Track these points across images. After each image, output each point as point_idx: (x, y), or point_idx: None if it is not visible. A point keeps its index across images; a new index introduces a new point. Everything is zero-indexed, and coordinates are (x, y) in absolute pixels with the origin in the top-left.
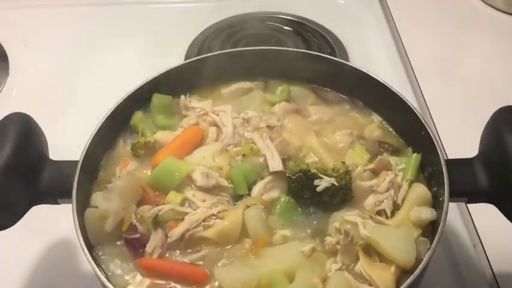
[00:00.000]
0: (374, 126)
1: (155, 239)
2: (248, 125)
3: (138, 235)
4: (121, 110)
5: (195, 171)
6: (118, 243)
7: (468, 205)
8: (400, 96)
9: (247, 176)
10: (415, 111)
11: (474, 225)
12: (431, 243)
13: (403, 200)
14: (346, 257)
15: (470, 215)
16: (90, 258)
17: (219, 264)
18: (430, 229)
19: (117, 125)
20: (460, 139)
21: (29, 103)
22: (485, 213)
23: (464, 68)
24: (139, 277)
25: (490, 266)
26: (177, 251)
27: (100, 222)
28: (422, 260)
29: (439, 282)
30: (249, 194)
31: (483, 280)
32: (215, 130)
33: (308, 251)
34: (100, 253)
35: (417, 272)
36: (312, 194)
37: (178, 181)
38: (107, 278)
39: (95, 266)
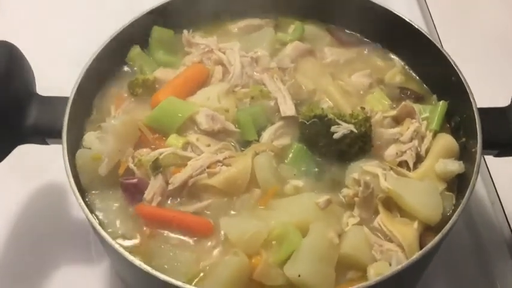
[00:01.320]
0: (396, 71)
1: (155, 185)
2: (257, 65)
3: (135, 180)
4: (117, 42)
5: (199, 112)
6: (113, 188)
7: (487, 162)
8: (428, 37)
9: (256, 120)
10: (446, 54)
11: (493, 183)
12: (456, 199)
13: (426, 152)
14: (364, 211)
15: (489, 172)
16: (83, 204)
17: (224, 214)
18: (455, 183)
19: (112, 59)
20: (488, 88)
21: (15, 34)
22: (505, 171)
23: (487, 15)
24: (136, 225)
25: (508, 224)
26: (179, 199)
27: (93, 165)
28: (446, 215)
29: (456, 240)
30: (258, 140)
31: (501, 238)
32: (221, 69)
33: (323, 203)
34: (93, 198)
35: (446, 228)
36: (328, 142)
37: (180, 123)
38: (100, 225)
39: (87, 212)
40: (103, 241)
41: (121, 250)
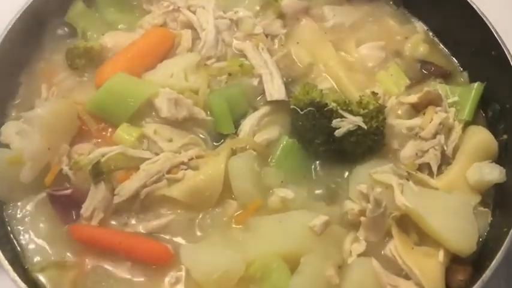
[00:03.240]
0: (418, 38)
1: (95, 197)
2: (238, 29)
3: (69, 190)
4: None
5: (159, 95)
6: (40, 199)
7: None
8: None
9: (234, 106)
10: (484, 18)
11: None
12: (493, 215)
13: (455, 150)
14: (373, 234)
15: None
16: None
17: (188, 239)
18: (491, 193)
19: (46, 18)
20: None
21: None
22: None
23: None
24: (69, 252)
25: None
26: (128, 216)
27: (12, 169)
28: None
29: None
30: (235, 133)
31: None
32: (190, 34)
33: (319, 227)
34: (12, 213)
35: (487, 275)
36: (328, 139)
37: (133, 109)
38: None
39: None
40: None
41: None
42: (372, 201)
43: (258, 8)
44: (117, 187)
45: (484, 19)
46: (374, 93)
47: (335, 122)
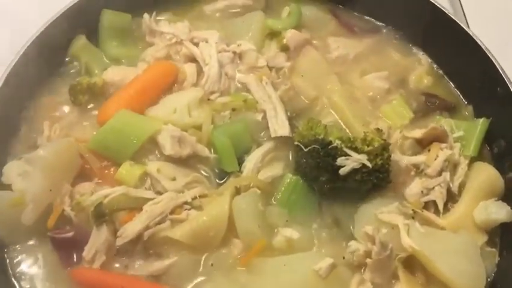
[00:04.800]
0: (422, 71)
1: (97, 240)
2: (241, 62)
3: (71, 233)
4: (56, 31)
5: (162, 132)
6: (43, 242)
7: None
8: (465, 29)
9: (238, 142)
10: (489, 54)
11: None
12: (500, 255)
13: (460, 186)
14: (379, 276)
15: None
16: None
17: (191, 281)
18: (497, 232)
19: (49, 54)
20: None
21: None
22: None
23: None
24: None
25: None
26: (131, 259)
27: (14, 211)
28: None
29: None
30: (239, 170)
31: None
32: (194, 68)
33: (325, 270)
34: (14, 256)
35: None
36: (332, 176)
37: (136, 147)
38: None
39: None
40: None
41: None
42: (378, 244)
43: (261, 40)
44: (119, 228)
45: (489, 55)
46: (378, 130)
47: (339, 161)
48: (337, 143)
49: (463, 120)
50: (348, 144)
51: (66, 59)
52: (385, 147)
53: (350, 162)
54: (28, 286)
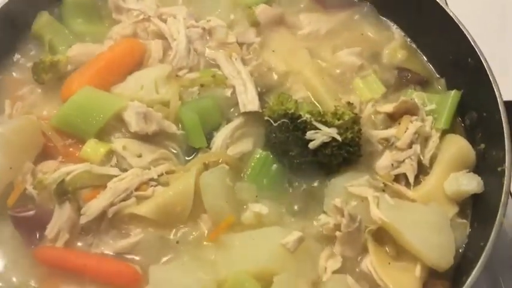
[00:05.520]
0: (395, 45)
1: (60, 218)
2: (211, 38)
3: (32, 212)
4: (16, 7)
5: (128, 109)
6: (4, 221)
7: None
8: (439, 2)
9: (207, 118)
10: (461, 26)
11: None
12: (471, 226)
13: (432, 160)
14: (349, 249)
15: None
16: None
17: (158, 258)
18: (469, 203)
19: (10, 31)
20: None
21: None
22: None
23: None
24: (35, 275)
25: None
26: (96, 237)
27: None
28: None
29: None
30: (208, 147)
31: None
32: (161, 45)
33: (293, 244)
34: None
35: (468, 284)
36: (302, 151)
37: (100, 124)
38: None
39: None
40: None
41: None
42: (347, 216)
43: (231, 16)
44: (83, 206)
45: (461, 26)
46: (349, 104)
47: (309, 134)
48: (306, 116)
49: (436, 93)
50: (318, 118)
51: (29, 36)
52: (355, 121)
53: (319, 135)
54: None
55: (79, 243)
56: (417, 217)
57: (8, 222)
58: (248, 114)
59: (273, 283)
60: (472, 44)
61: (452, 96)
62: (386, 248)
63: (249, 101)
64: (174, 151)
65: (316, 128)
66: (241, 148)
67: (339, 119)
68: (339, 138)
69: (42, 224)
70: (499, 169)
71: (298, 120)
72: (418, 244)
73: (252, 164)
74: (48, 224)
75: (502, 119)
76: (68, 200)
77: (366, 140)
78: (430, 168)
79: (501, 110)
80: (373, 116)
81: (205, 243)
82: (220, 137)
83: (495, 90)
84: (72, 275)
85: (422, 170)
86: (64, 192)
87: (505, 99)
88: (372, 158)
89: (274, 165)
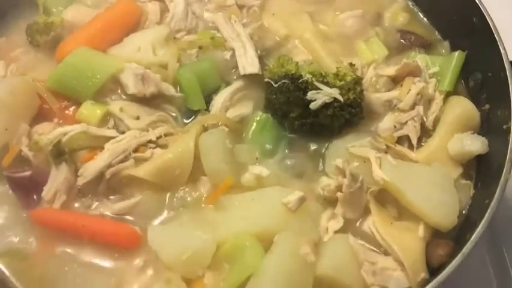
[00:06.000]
0: (397, 7)
1: (57, 179)
2: (209, 1)
3: (28, 172)
4: None
5: (125, 70)
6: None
7: None
8: None
9: (205, 80)
10: None
11: None
12: (475, 187)
13: (435, 122)
14: (350, 210)
15: None
16: None
17: (157, 219)
18: (473, 165)
19: None
20: None
21: None
22: None
23: None
24: (31, 237)
25: None
26: (93, 198)
27: None
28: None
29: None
30: (207, 109)
31: None
32: (158, 7)
33: (294, 203)
34: None
35: (468, 247)
36: (303, 112)
37: (97, 85)
38: None
39: None
40: None
41: None
42: (348, 176)
43: None
44: (80, 168)
45: None
46: (351, 65)
47: (310, 94)
48: (307, 77)
49: (439, 55)
50: (320, 78)
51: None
52: (357, 82)
53: (321, 96)
54: None
55: (77, 205)
56: (420, 177)
57: (4, 184)
58: (248, 77)
59: (274, 242)
60: (477, 2)
61: (457, 57)
62: (389, 210)
63: (249, 63)
64: (173, 114)
65: (317, 89)
66: (241, 111)
67: (340, 80)
68: (340, 98)
69: (38, 186)
70: (505, 127)
71: (299, 81)
72: (421, 203)
73: (252, 126)
74: (45, 186)
75: (508, 78)
76: (65, 161)
77: (367, 103)
78: (433, 131)
79: (507, 69)
80: (374, 79)
81: (204, 205)
82: (219, 100)
83: (501, 49)
84: (70, 236)
85: (425, 133)
86: (60, 153)
87: (511, 58)
88: (373, 120)
89: (275, 128)
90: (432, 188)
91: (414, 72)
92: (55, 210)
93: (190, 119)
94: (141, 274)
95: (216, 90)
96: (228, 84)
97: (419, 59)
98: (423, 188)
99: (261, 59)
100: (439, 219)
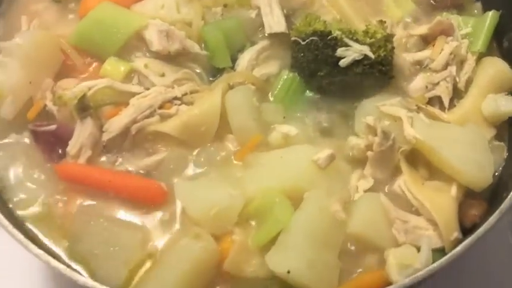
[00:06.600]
0: None
1: (82, 134)
2: None
3: (53, 126)
4: None
5: (149, 27)
6: (24, 137)
7: None
8: None
9: (231, 39)
10: None
11: None
12: (508, 150)
13: (467, 84)
14: (380, 170)
15: None
16: None
17: (183, 176)
18: (506, 127)
19: None
20: None
21: None
22: None
23: None
24: (56, 192)
25: None
26: (118, 154)
27: None
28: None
29: None
30: (232, 67)
31: None
32: None
33: (324, 160)
34: None
35: (506, 203)
36: (332, 70)
37: (120, 41)
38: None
39: None
40: None
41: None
42: (380, 134)
43: None
44: (105, 124)
45: None
46: (381, 22)
47: (340, 51)
48: (337, 33)
49: (471, 16)
50: (349, 35)
51: None
52: (388, 39)
53: (351, 53)
54: (10, 182)
55: (103, 160)
56: (454, 136)
57: (29, 138)
58: (274, 36)
59: (304, 199)
60: None
61: (491, 16)
62: (419, 171)
63: (275, 22)
64: (197, 71)
65: (347, 46)
66: (267, 70)
67: (370, 38)
68: (371, 55)
69: (63, 141)
70: None
71: (328, 37)
72: (455, 162)
73: (279, 85)
74: (70, 141)
75: None
76: (90, 116)
77: (397, 63)
78: (465, 93)
79: None
80: (405, 40)
81: (231, 162)
82: (245, 58)
83: None
84: (95, 191)
85: (456, 94)
86: (85, 107)
87: None
88: (403, 80)
89: (302, 87)
90: (466, 147)
91: (447, 31)
92: (81, 165)
93: (216, 78)
94: (168, 229)
95: (241, 50)
96: (253, 43)
97: (452, 19)
98: (457, 147)
99: (288, 18)
100: (474, 178)
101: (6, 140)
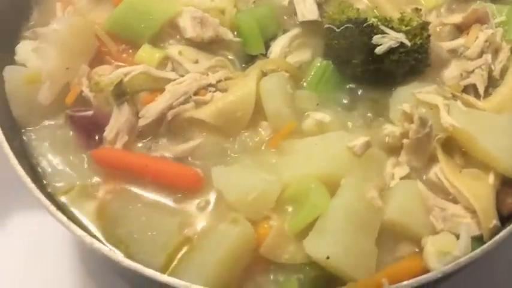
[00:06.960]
0: None
1: (119, 119)
2: None
3: (91, 112)
4: None
5: (183, 14)
6: (61, 122)
7: None
8: None
9: (263, 27)
10: None
11: None
12: None
13: (502, 71)
14: (416, 158)
15: None
16: (9, 149)
17: (217, 164)
18: None
19: None
20: None
21: None
22: None
23: None
24: (93, 177)
25: None
26: (154, 140)
27: (29, 90)
28: None
29: None
30: (265, 55)
31: None
32: None
33: (360, 148)
34: (30, 137)
35: None
36: (366, 58)
37: (155, 28)
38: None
39: (16, 162)
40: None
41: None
42: (417, 121)
43: None
44: (141, 110)
45: None
46: (417, 9)
47: (376, 39)
48: (373, 20)
49: (506, 4)
50: (385, 23)
51: None
52: (424, 27)
53: (387, 40)
54: (48, 167)
55: (139, 145)
56: (491, 124)
57: (66, 124)
58: (306, 24)
59: (341, 186)
60: None
61: None
62: (455, 159)
63: (308, 10)
64: (230, 58)
65: (383, 33)
66: (300, 57)
67: (406, 25)
68: (408, 43)
69: (100, 126)
70: None
71: (364, 25)
72: (493, 150)
73: (312, 72)
74: (107, 126)
75: None
76: (126, 102)
77: (432, 51)
78: (500, 81)
79: None
80: (438, 28)
81: (265, 149)
82: (278, 46)
83: None
84: (132, 176)
85: (491, 83)
86: (122, 93)
87: None
88: (438, 69)
89: (335, 75)
90: (503, 135)
91: (482, 19)
92: (118, 150)
93: (248, 65)
94: (204, 215)
95: (273, 37)
96: (285, 31)
97: (486, 7)
98: (494, 135)
99: (320, 6)
100: (510, 167)
101: (43, 125)
